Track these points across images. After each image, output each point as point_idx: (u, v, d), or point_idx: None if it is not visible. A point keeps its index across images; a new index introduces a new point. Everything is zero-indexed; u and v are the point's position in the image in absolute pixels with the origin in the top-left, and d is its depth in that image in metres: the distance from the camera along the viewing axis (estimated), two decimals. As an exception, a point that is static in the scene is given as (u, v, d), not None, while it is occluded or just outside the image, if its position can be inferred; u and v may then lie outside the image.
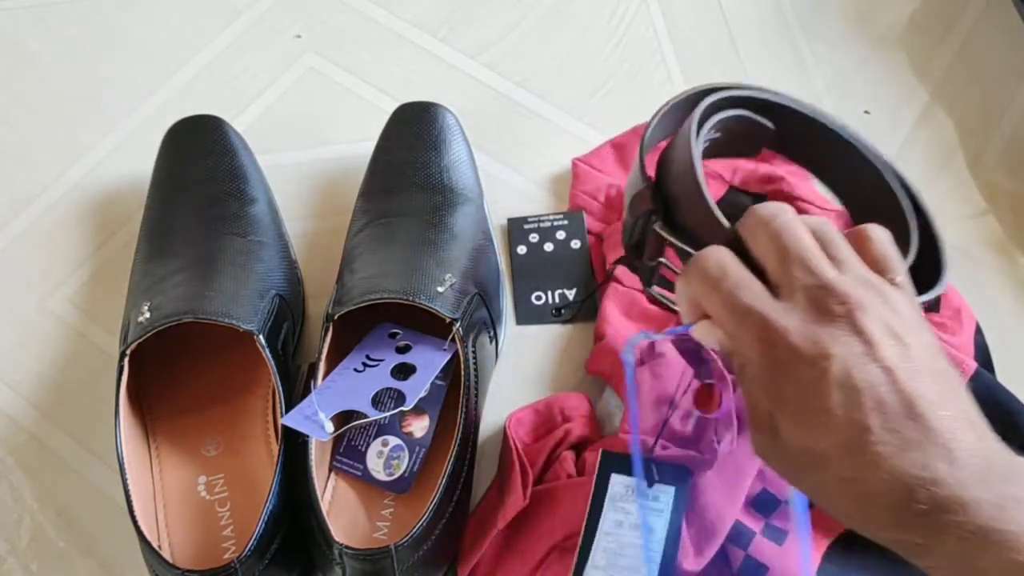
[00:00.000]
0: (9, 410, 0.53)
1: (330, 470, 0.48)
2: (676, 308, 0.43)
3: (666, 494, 0.45)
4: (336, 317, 0.47)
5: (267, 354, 0.47)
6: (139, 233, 0.54)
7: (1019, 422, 0.48)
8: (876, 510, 0.29)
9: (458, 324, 0.47)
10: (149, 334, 0.46)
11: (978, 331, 0.54)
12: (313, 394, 0.45)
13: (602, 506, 0.44)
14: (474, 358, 0.48)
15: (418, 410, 0.49)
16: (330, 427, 0.43)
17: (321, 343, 0.48)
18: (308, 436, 0.44)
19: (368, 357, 0.49)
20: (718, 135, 0.44)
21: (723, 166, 0.59)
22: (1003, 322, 0.57)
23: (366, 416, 0.45)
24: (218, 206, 0.53)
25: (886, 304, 0.31)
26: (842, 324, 0.30)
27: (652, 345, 0.51)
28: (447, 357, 0.48)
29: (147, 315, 0.47)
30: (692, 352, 0.51)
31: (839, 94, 0.65)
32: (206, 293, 0.47)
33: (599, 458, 0.46)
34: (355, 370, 0.48)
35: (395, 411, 0.46)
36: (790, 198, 0.57)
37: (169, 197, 0.54)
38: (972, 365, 0.50)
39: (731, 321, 0.32)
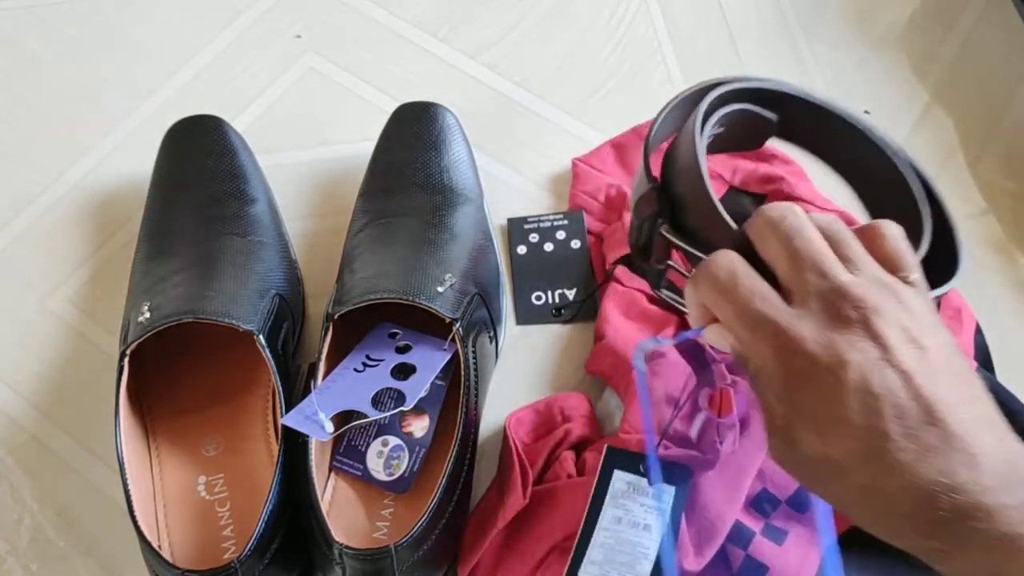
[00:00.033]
0: (9, 410, 0.53)
1: (330, 470, 0.48)
2: (685, 310, 0.42)
3: (667, 493, 0.45)
4: (336, 317, 0.47)
5: (267, 354, 0.47)
6: (139, 233, 0.54)
7: (1020, 422, 0.48)
8: (897, 518, 0.29)
9: (458, 324, 0.47)
10: (149, 334, 0.46)
11: (978, 331, 0.54)
12: (313, 394, 0.45)
13: (603, 502, 0.44)
14: (474, 358, 0.48)
15: (418, 410, 0.49)
16: (330, 427, 0.43)
17: (321, 343, 0.48)
18: (308, 436, 0.44)
19: (368, 357, 0.49)
20: (721, 130, 0.43)
21: (723, 166, 0.59)
22: (1003, 322, 0.57)
23: (366, 416, 0.45)
24: (218, 206, 0.53)
25: (901, 305, 0.31)
26: (857, 329, 0.30)
27: (652, 345, 0.52)
28: (447, 357, 0.48)
29: (147, 315, 0.46)
30: (694, 355, 0.51)
31: (839, 94, 0.65)
32: (206, 293, 0.47)
33: (604, 453, 0.46)
34: (355, 370, 0.48)
35: (395, 411, 0.46)
36: (790, 198, 0.57)
37: (169, 197, 0.54)
38: (972, 365, 0.50)
39: (744, 329, 0.32)
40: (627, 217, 0.56)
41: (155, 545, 0.42)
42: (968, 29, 0.69)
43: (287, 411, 0.45)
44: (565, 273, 0.57)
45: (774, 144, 0.59)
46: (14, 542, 0.49)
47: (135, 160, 0.60)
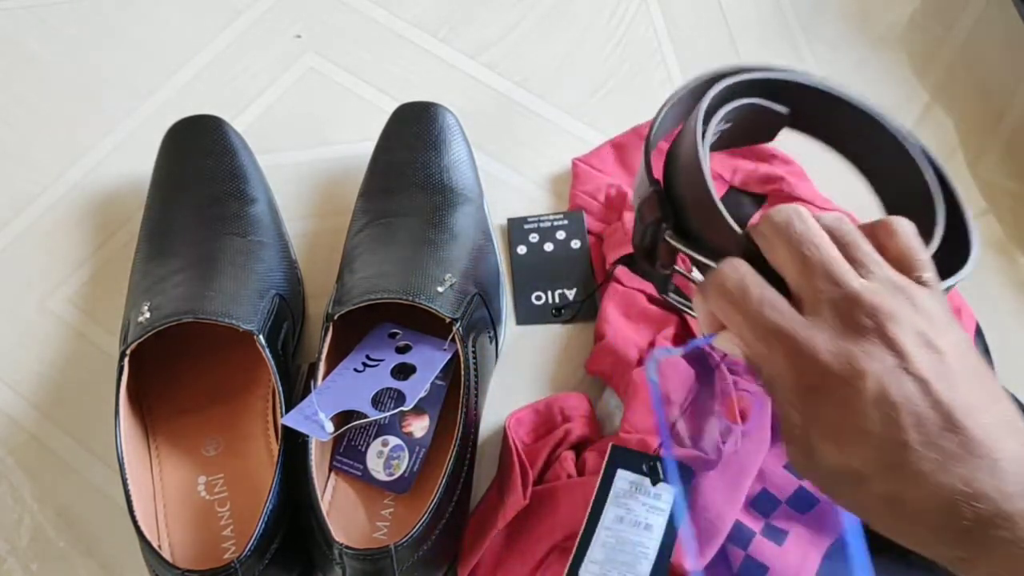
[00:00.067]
0: (9, 410, 0.53)
1: (330, 470, 0.48)
2: (693, 314, 0.42)
3: (668, 492, 0.45)
4: (336, 317, 0.47)
5: (267, 354, 0.47)
6: (139, 233, 0.54)
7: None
8: (919, 528, 0.28)
9: (458, 324, 0.47)
10: (149, 334, 0.46)
11: (978, 331, 0.54)
12: (313, 394, 0.45)
13: (605, 501, 0.44)
14: (474, 358, 0.48)
15: (418, 410, 0.49)
16: (330, 427, 0.43)
17: (321, 343, 0.48)
18: (308, 436, 0.44)
19: (368, 357, 0.49)
20: (728, 125, 0.42)
21: (723, 166, 0.59)
22: (1003, 322, 0.57)
23: (366, 416, 0.45)
24: (218, 206, 0.53)
25: (915, 308, 0.30)
26: (873, 338, 0.29)
27: (652, 344, 0.52)
28: (447, 357, 0.48)
29: (147, 315, 0.47)
30: (697, 358, 0.51)
31: (839, 94, 0.66)
32: (206, 293, 0.47)
33: (608, 452, 0.46)
34: (355, 370, 0.48)
35: (395, 411, 0.46)
36: (790, 198, 0.57)
37: (169, 197, 0.54)
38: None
39: (756, 340, 0.31)
40: (627, 217, 0.56)
41: (155, 545, 0.42)
42: (968, 29, 0.69)
43: (287, 411, 0.45)
44: (565, 273, 0.57)
45: (774, 144, 0.60)
46: (14, 542, 0.49)
47: (135, 160, 0.60)
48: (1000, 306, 0.58)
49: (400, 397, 0.46)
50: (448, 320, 0.47)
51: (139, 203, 0.56)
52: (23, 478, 0.51)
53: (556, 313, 0.56)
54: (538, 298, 0.56)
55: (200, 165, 0.54)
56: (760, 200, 0.58)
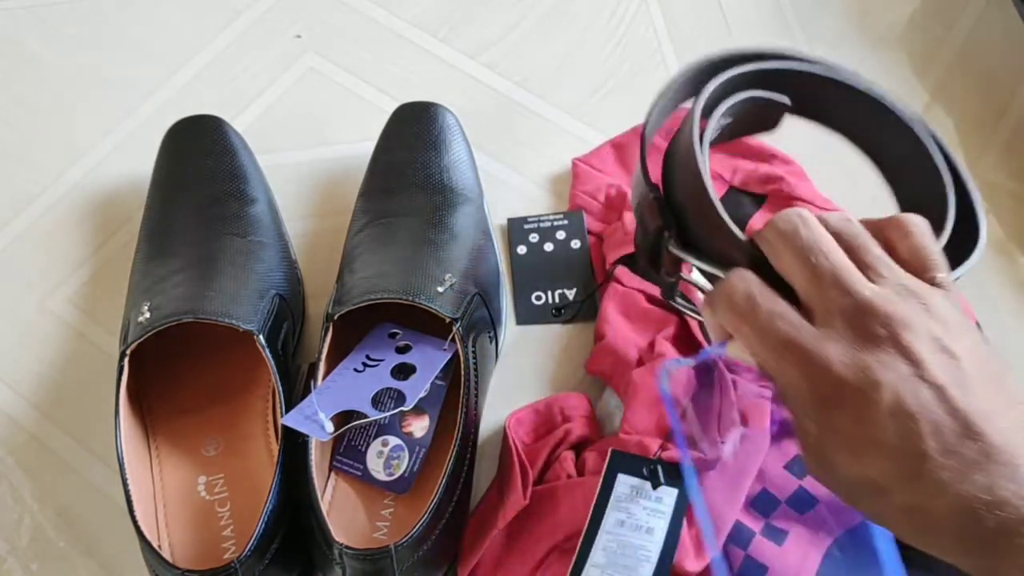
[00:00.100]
0: (9, 410, 0.53)
1: (330, 470, 0.48)
2: (699, 318, 0.41)
3: (669, 495, 0.45)
4: (336, 317, 0.47)
5: (267, 354, 0.47)
6: (139, 233, 0.54)
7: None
8: (941, 536, 0.28)
9: (458, 324, 0.47)
10: (149, 334, 0.46)
11: (977, 328, 0.54)
12: (313, 394, 0.45)
13: (606, 505, 0.44)
14: (474, 358, 0.48)
15: (418, 410, 0.49)
16: (330, 427, 0.43)
17: (321, 343, 0.48)
18: (308, 436, 0.44)
19: (368, 357, 0.49)
20: (729, 120, 0.42)
21: (723, 166, 0.59)
22: (1003, 322, 0.57)
23: (366, 416, 0.45)
24: (218, 206, 0.53)
25: (929, 313, 0.30)
26: (886, 347, 0.29)
27: (652, 345, 0.52)
28: (447, 357, 0.48)
29: (147, 315, 0.47)
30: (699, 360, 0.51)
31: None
32: (206, 293, 0.47)
33: (608, 457, 0.46)
34: (355, 370, 0.48)
35: (395, 411, 0.46)
36: (790, 198, 0.57)
37: (169, 197, 0.54)
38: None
39: (768, 353, 0.31)
40: (627, 217, 0.56)
41: (155, 545, 0.42)
42: (968, 29, 0.69)
43: (287, 411, 0.45)
44: (565, 273, 0.57)
45: (774, 144, 0.60)
46: (14, 542, 0.49)
47: (135, 160, 0.60)
48: (1000, 306, 0.58)
49: (400, 397, 0.46)
50: (448, 320, 0.47)
51: (139, 203, 0.56)
52: (23, 478, 0.51)
53: (556, 313, 0.56)
54: (538, 298, 0.56)
55: (200, 165, 0.54)
56: (760, 200, 0.58)
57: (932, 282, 0.32)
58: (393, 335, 0.50)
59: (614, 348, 0.52)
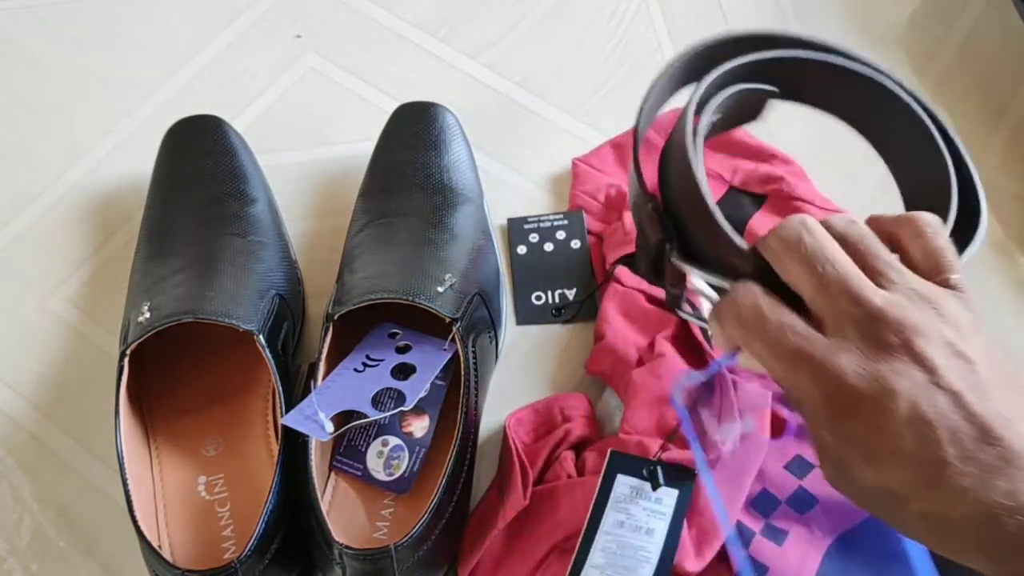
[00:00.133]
0: (9, 410, 0.53)
1: (330, 470, 0.48)
2: (706, 326, 0.39)
3: (669, 496, 0.45)
4: (336, 317, 0.47)
5: (267, 354, 0.47)
6: (139, 233, 0.54)
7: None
8: (963, 542, 0.28)
9: (458, 324, 0.47)
10: (149, 334, 0.46)
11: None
12: (313, 394, 0.45)
13: (605, 506, 0.44)
14: (474, 358, 0.48)
15: (418, 410, 0.49)
16: (330, 427, 0.43)
17: (321, 343, 0.48)
18: (308, 436, 0.44)
19: (368, 357, 0.49)
20: (719, 116, 0.41)
21: (723, 166, 0.59)
22: (1003, 322, 0.57)
23: (366, 416, 0.45)
24: (218, 206, 0.53)
25: (941, 318, 0.29)
26: (900, 354, 0.28)
27: (652, 345, 0.52)
28: (447, 357, 0.48)
29: (147, 315, 0.47)
30: (695, 356, 0.51)
31: (839, 94, 0.65)
32: (206, 293, 0.47)
33: (607, 457, 0.46)
34: (355, 370, 0.48)
35: (395, 411, 0.46)
36: (790, 198, 0.57)
37: (169, 197, 0.54)
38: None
39: (780, 366, 0.31)
40: (627, 217, 0.56)
41: (155, 545, 0.42)
42: (968, 29, 0.69)
43: (287, 411, 0.45)
44: (565, 273, 0.57)
45: (774, 144, 0.60)
46: (14, 542, 0.49)
47: (135, 160, 0.60)
48: (1000, 306, 0.58)
49: (400, 397, 0.46)
50: (448, 320, 0.47)
51: (139, 203, 0.56)
52: (23, 478, 0.51)
53: (556, 313, 0.56)
54: (538, 298, 0.56)
55: (200, 165, 0.54)
56: (760, 200, 0.58)
57: (946, 284, 0.31)
58: (393, 335, 0.50)
59: (614, 348, 0.52)
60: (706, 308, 0.39)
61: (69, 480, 0.51)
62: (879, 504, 0.30)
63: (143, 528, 0.43)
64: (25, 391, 0.53)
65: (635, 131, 0.40)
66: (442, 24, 0.67)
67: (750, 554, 0.44)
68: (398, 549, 0.41)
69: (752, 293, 0.32)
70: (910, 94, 0.41)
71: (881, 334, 0.29)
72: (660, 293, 0.53)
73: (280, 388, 0.47)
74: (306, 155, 0.62)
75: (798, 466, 0.48)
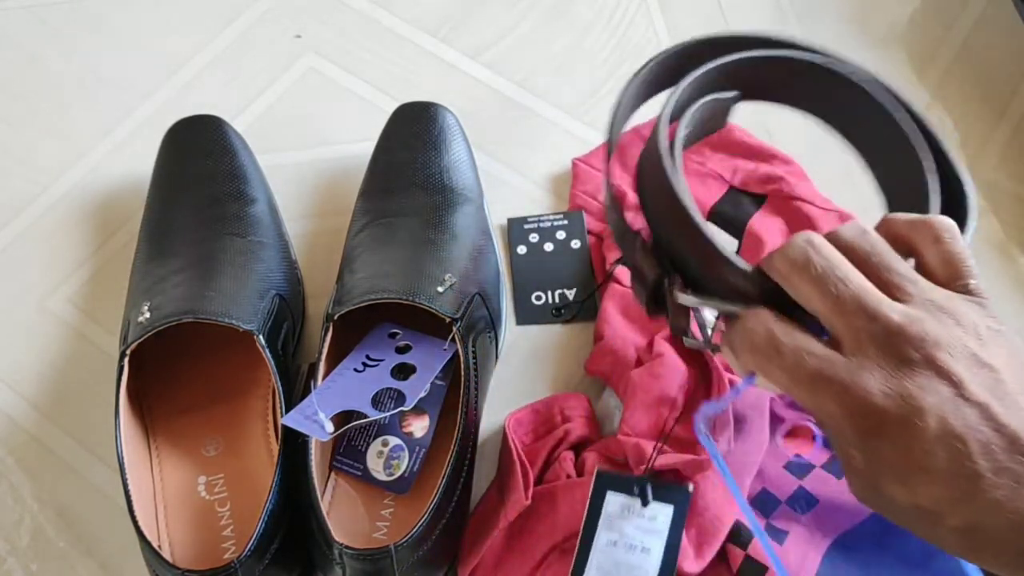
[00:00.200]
0: (9, 410, 0.53)
1: (330, 470, 0.48)
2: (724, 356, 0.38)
3: (663, 514, 0.44)
4: (336, 317, 0.47)
5: (267, 354, 0.47)
6: (139, 233, 0.54)
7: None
8: (1001, 554, 0.28)
9: (458, 324, 0.47)
10: (149, 334, 0.46)
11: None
12: (313, 394, 0.45)
13: (596, 524, 0.44)
14: (474, 358, 0.48)
15: (418, 410, 0.49)
16: (330, 427, 0.43)
17: (321, 343, 0.48)
18: (308, 436, 0.44)
19: (368, 357, 0.49)
20: (689, 130, 0.40)
21: (723, 166, 0.59)
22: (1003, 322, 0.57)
23: (366, 416, 0.45)
24: (218, 206, 0.53)
25: (961, 327, 0.29)
26: (923, 370, 0.28)
27: (651, 345, 0.52)
28: (447, 357, 0.48)
29: (147, 315, 0.47)
30: (694, 355, 0.51)
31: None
32: (206, 293, 0.47)
33: (594, 477, 0.45)
34: (355, 370, 0.48)
35: (395, 411, 0.46)
36: (790, 198, 0.57)
37: (169, 197, 0.54)
38: None
39: (802, 391, 0.30)
40: (627, 217, 0.56)
41: (155, 545, 0.42)
42: (968, 29, 0.69)
43: (287, 411, 0.45)
44: (565, 273, 0.57)
45: (774, 144, 0.60)
46: (14, 542, 0.49)
47: (135, 160, 0.60)
48: (1000, 306, 0.57)
49: (400, 397, 0.46)
50: (448, 320, 0.47)
51: (139, 203, 0.56)
52: (23, 478, 0.51)
53: (556, 313, 0.56)
54: (538, 298, 0.56)
55: (200, 165, 0.54)
56: (760, 200, 0.58)
57: (964, 290, 0.31)
58: (393, 335, 0.50)
59: (613, 348, 0.52)
60: (710, 321, 0.37)
61: (69, 480, 0.51)
62: (913, 521, 0.29)
63: (143, 528, 0.43)
64: (25, 391, 0.53)
65: (606, 159, 0.39)
66: (442, 24, 0.67)
67: (749, 554, 0.44)
68: (398, 549, 0.41)
69: (763, 320, 0.31)
70: (887, 89, 0.39)
71: (902, 350, 0.28)
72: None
73: (280, 388, 0.47)
74: (306, 155, 0.62)
75: (798, 466, 0.48)
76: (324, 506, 0.44)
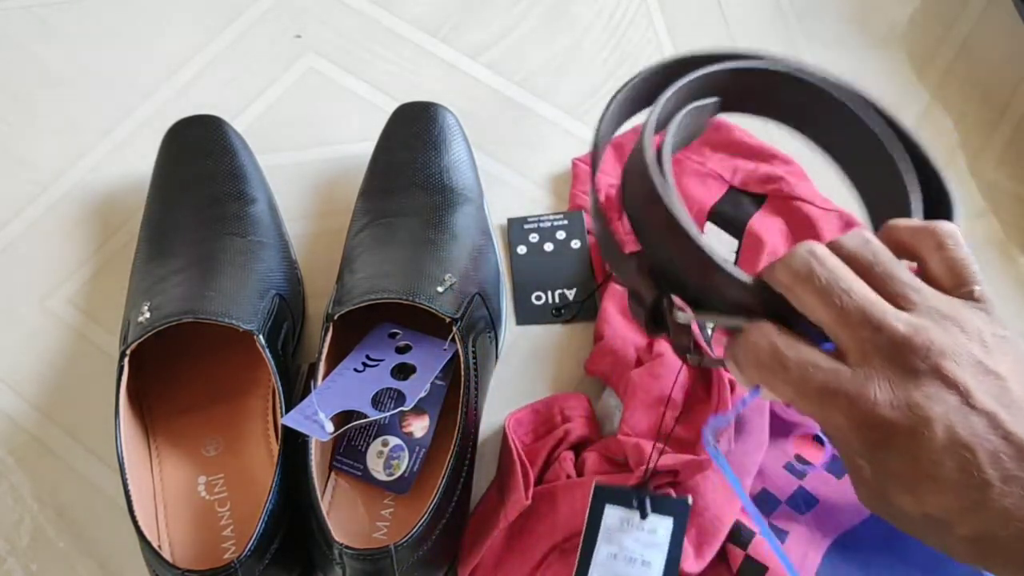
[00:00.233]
0: (9, 410, 0.53)
1: (330, 470, 0.48)
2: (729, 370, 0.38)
3: (663, 526, 0.44)
4: (336, 317, 0.47)
5: (267, 354, 0.47)
6: (139, 233, 0.54)
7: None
8: (1012, 562, 0.28)
9: (458, 324, 0.47)
10: (149, 334, 0.46)
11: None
12: (313, 394, 0.45)
13: (596, 538, 0.44)
14: (474, 358, 0.48)
15: (418, 410, 0.49)
16: (330, 427, 0.43)
17: (321, 343, 0.48)
18: (308, 436, 0.44)
19: (368, 357, 0.49)
20: (676, 139, 0.40)
21: (723, 166, 0.59)
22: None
23: (366, 416, 0.45)
24: (218, 206, 0.53)
25: (966, 335, 0.29)
26: (930, 380, 0.28)
27: (650, 345, 0.52)
28: (447, 357, 0.48)
29: (147, 315, 0.47)
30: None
31: (839, 94, 0.65)
32: (206, 293, 0.47)
33: (591, 491, 0.45)
34: (355, 370, 0.48)
35: (395, 411, 0.46)
36: (790, 198, 0.57)
37: (169, 197, 0.54)
38: None
39: (808, 404, 0.30)
40: (627, 218, 0.56)
41: (155, 545, 0.42)
42: (968, 29, 0.69)
43: (287, 411, 0.45)
44: (565, 273, 0.57)
45: (774, 144, 0.60)
46: (14, 542, 0.49)
47: (135, 160, 0.60)
48: (1001, 307, 0.57)
49: (400, 397, 0.46)
50: (448, 320, 0.47)
51: (139, 203, 0.56)
52: (23, 478, 0.51)
53: (556, 313, 0.56)
54: (538, 298, 0.57)
55: (200, 165, 0.54)
56: (760, 200, 0.58)
57: (969, 296, 0.30)
58: (393, 335, 0.50)
59: (613, 348, 0.52)
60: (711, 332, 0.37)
61: (69, 480, 0.51)
62: (923, 530, 0.29)
63: (143, 528, 0.43)
64: (25, 391, 0.53)
65: (592, 175, 0.38)
66: (442, 24, 0.67)
67: (749, 554, 0.44)
68: (398, 549, 0.41)
69: (766, 333, 0.31)
70: (865, 99, 0.40)
71: (908, 361, 0.28)
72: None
73: (280, 388, 0.47)
74: (306, 155, 0.62)
75: (798, 466, 0.48)
76: (324, 506, 0.44)
